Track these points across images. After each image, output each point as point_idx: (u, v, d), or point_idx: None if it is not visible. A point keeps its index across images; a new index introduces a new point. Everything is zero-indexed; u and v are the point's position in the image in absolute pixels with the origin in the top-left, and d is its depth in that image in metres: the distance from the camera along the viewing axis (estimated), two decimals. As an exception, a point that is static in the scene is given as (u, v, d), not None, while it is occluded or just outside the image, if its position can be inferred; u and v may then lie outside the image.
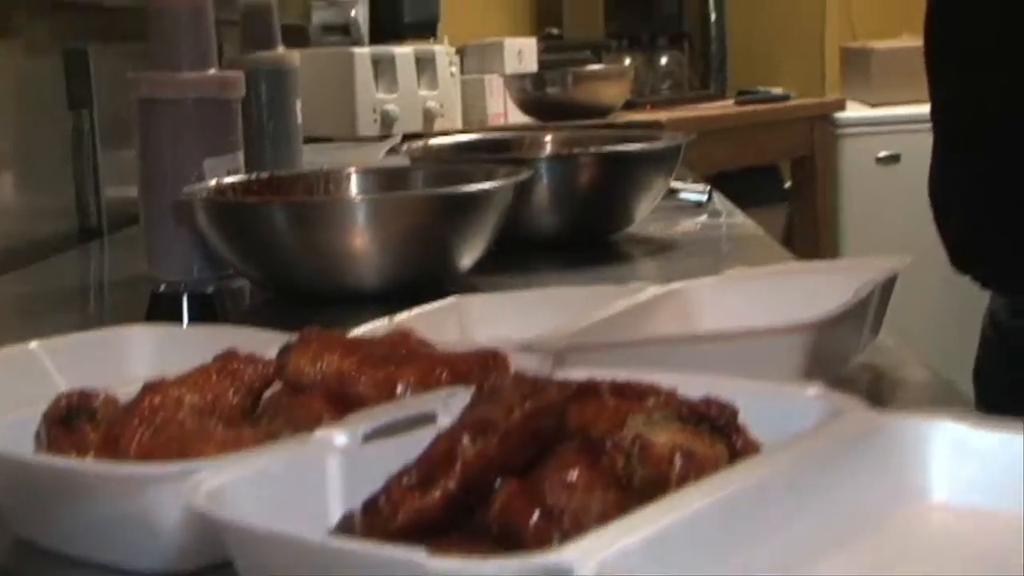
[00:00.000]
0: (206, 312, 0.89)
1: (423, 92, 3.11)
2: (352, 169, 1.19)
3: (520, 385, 0.48)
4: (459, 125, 3.22)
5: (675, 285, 0.81)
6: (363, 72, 2.97)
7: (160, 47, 1.14)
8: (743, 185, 3.48)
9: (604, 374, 0.53)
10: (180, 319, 0.87)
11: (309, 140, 2.64)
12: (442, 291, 1.08)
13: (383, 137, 3.00)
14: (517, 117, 3.27)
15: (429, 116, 3.12)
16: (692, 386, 0.51)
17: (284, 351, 0.58)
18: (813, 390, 0.51)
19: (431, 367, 0.57)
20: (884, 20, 4.03)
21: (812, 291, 0.77)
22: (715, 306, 0.79)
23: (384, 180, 1.19)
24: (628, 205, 1.29)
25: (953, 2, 1.16)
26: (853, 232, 3.77)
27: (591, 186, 1.26)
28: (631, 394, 0.51)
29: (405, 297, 1.04)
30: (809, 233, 3.71)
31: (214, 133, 1.14)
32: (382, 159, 1.87)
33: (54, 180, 1.55)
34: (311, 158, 1.85)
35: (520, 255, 1.19)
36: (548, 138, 1.44)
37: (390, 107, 3.02)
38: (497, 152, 1.42)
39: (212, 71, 1.14)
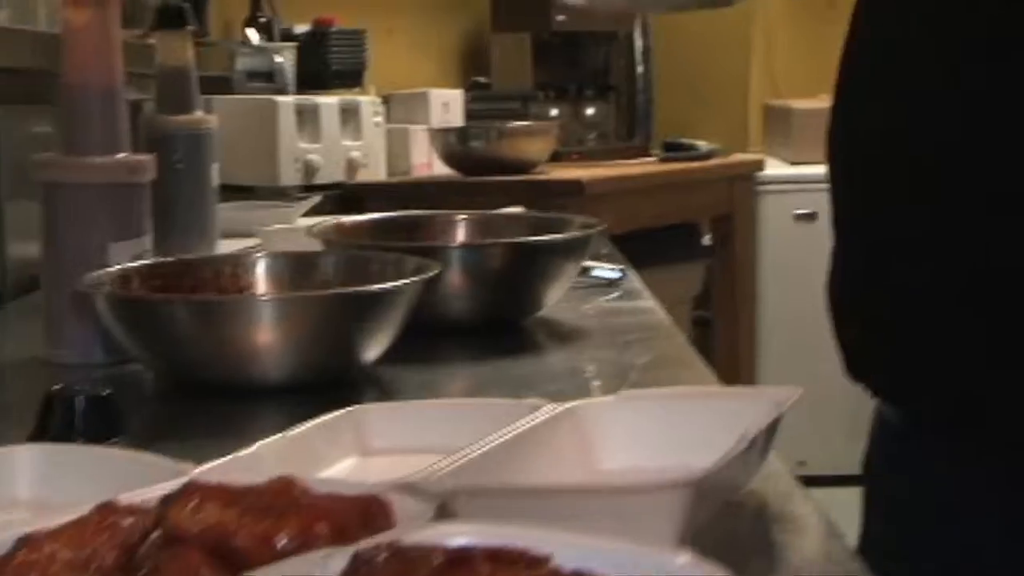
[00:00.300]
0: (102, 418, 0.87)
1: (347, 142, 3.12)
2: (260, 255, 1.19)
3: (392, 563, 0.48)
4: (383, 176, 3.23)
5: (570, 405, 0.81)
6: (286, 121, 2.97)
7: (70, 127, 1.14)
8: (663, 241, 3.52)
9: (483, 532, 0.53)
10: (73, 423, 0.86)
11: (229, 188, 2.64)
12: (347, 383, 1.10)
13: (305, 188, 3.00)
14: (441, 168, 3.28)
15: (352, 166, 3.12)
16: (569, 549, 0.52)
17: (165, 501, 0.57)
18: (683, 558, 0.51)
19: (311, 520, 0.57)
20: (807, 78, 4.09)
21: (705, 419, 0.78)
22: (610, 428, 0.80)
23: (292, 267, 1.19)
24: (538, 292, 1.30)
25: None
26: (771, 287, 3.81)
27: (501, 275, 1.26)
28: (506, 561, 0.51)
29: (309, 390, 1.05)
30: (727, 293, 3.75)
31: (121, 218, 1.14)
32: (296, 224, 1.86)
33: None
34: (229, 216, 1.84)
35: (429, 340, 1.18)
36: (461, 220, 1.44)
37: (313, 157, 3.02)
38: (410, 231, 1.42)
39: (122, 155, 1.14)
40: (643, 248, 3.29)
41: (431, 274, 1.09)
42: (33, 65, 1.54)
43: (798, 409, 0.78)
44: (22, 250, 1.57)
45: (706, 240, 3.82)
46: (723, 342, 3.77)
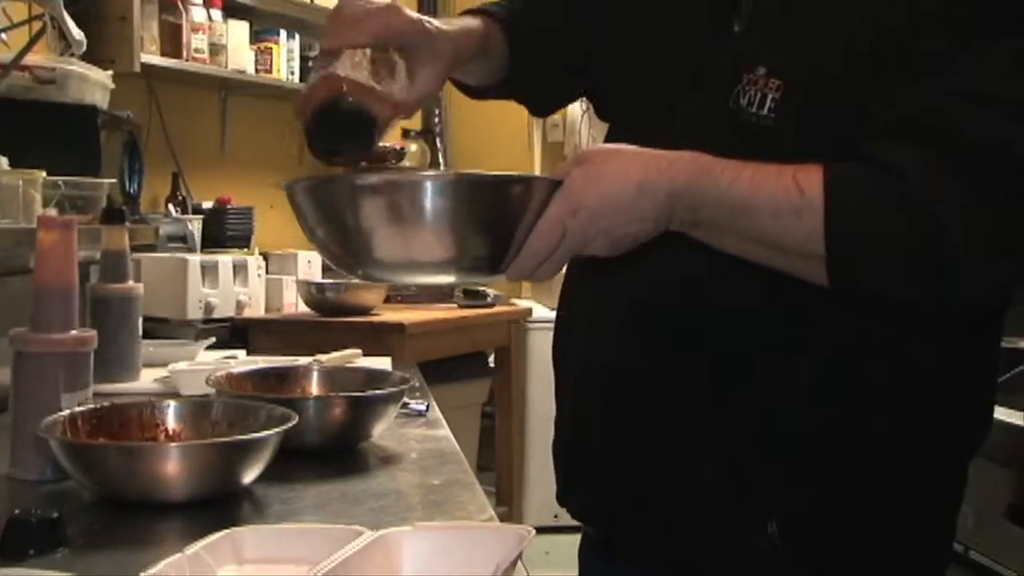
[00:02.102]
0: (52, 533, 0.87)
1: (237, 288, 3.10)
2: (171, 403, 1.19)
3: None
4: (262, 313, 3.21)
5: (382, 532, 0.83)
6: (194, 273, 2.95)
7: (36, 311, 1.13)
8: (462, 363, 3.56)
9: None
10: (31, 540, 0.86)
11: (151, 319, 2.61)
12: (231, 498, 1.08)
13: (205, 320, 2.97)
14: (304, 308, 3.27)
15: (240, 305, 3.11)
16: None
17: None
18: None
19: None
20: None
21: (474, 545, 0.82)
22: (411, 549, 0.83)
23: (192, 410, 1.19)
24: (369, 426, 1.32)
25: None
26: (536, 395, 3.87)
27: (342, 416, 1.28)
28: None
29: (203, 505, 1.04)
30: (505, 399, 3.79)
31: (71, 376, 1.13)
32: (198, 361, 1.85)
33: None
34: (149, 352, 1.81)
35: (291, 461, 1.17)
36: (315, 371, 1.46)
37: (212, 299, 3.00)
38: (280, 380, 1.43)
39: (73, 332, 1.14)
40: (447, 368, 3.35)
41: (291, 423, 1.10)
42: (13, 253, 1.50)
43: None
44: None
45: (491, 362, 3.87)
46: (502, 429, 3.81)
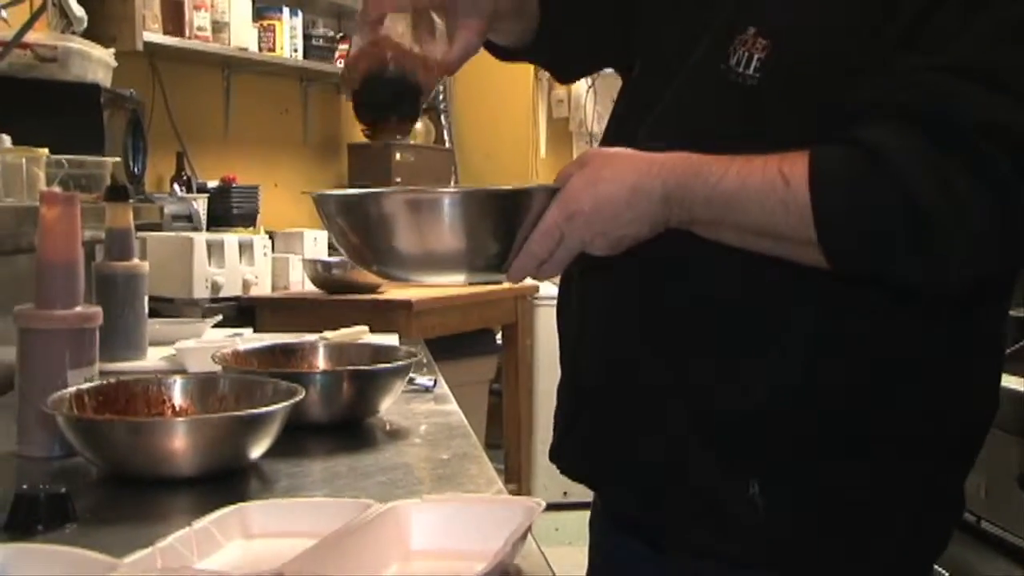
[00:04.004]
0: (59, 510, 0.87)
1: (243, 267, 3.10)
2: (177, 379, 1.18)
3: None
4: (268, 292, 3.20)
5: (392, 504, 0.83)
6: (200, 252, 2.94)
7: (41, 288, 1.13)
8: (468, 340, 3.56)
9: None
10: (39, 516, 0.86)
11: (156, 299, 2.60)
12: (238, 474, 1.08)
13: (212, 299, 2.97)
14: (310, 287, 3.27)
15: (247, 285, 3.10)
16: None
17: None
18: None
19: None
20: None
21: (483, 518, 0.81)
22: (420, 522, 0.83)
23: (199, 386, 1.18)
24: (376, 401, 1.32)
25: None
26: (542, 370, 3.87)
27: (349, 391, 1.27)
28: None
29: (211, 480, 1.04)
30: (513, 376, 3.80)
31: (76, 353, 1.13)
32: (204, 339, 1.84)
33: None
34: (155, 330, 1.81)
35: (298, 437, 1.18)
36: (322, 346, 1.45)
37: (218, 278, 2.99)
38: (287, 355, 1.43)
39: (78, 308, 1.14)
40: (455, 345, 3.34)
41: (299, 397, 1.10)
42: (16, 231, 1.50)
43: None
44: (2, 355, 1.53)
45: (499, 339, 3.87)
46: (510, 406, 3.82)
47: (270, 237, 3.31)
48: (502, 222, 0.94)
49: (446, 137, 4.55)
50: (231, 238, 3.06)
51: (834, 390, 0.95)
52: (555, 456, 1.16)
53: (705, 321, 0.98)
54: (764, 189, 0.89)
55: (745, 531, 0.97)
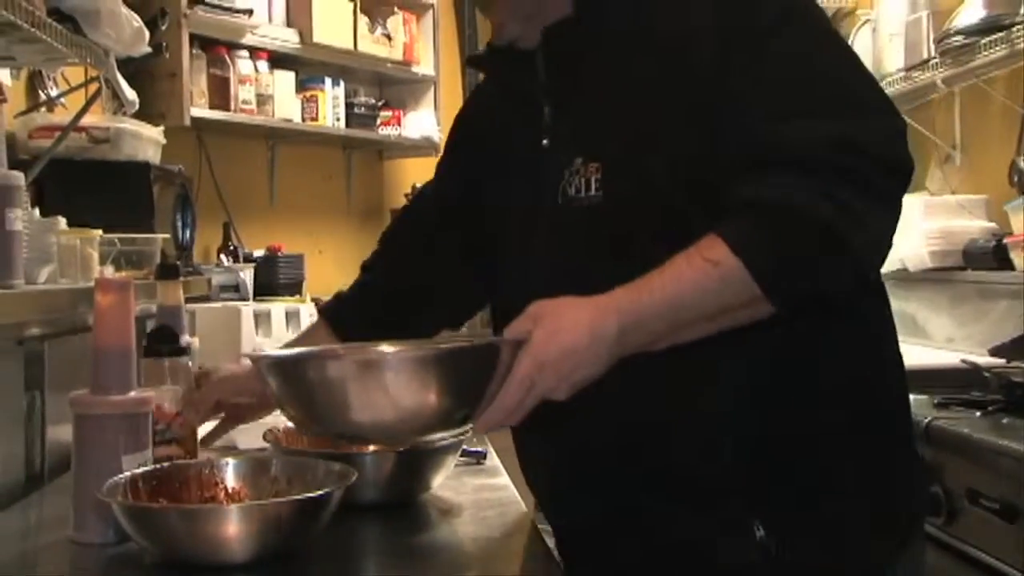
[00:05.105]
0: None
1: (290, 335, 3.10)
2: (229, 461, 1.18)
3: None
4: (315, 359, 3.20)
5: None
6: (247, 322, 2.95)
7: (96, 374, 1.14)
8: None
9: None
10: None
11: (205, 370, 2.59)
12: (294, 556, 1.07)
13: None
14: (357, 354, 3.26)
15: (294, 353, 3.10)
16: None
17: None
18: None
19: None
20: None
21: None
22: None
23: (251, 468, 1.18)
24: (428, 478, 1.31)
25: None
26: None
27: (400, 470, 1.27)
28: None
29: (264, 564, 1.03)
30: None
31: (130, 438, 1.14)
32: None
33: (6, 440, 1.48)
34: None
35: (349, 518, 1.17)
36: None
37: (266, 347, 3.00)
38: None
39: (132, 393, 1.15)
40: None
41: (351, 479, 1.10)
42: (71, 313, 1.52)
43: None
44: (57, 434, 1.55)
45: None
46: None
47: (316, 304, 3.32)
48: (467, 379, 0.95)
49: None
50: (278, 308, 3.07)
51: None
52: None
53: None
54: (700, 279, 0.97)
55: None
